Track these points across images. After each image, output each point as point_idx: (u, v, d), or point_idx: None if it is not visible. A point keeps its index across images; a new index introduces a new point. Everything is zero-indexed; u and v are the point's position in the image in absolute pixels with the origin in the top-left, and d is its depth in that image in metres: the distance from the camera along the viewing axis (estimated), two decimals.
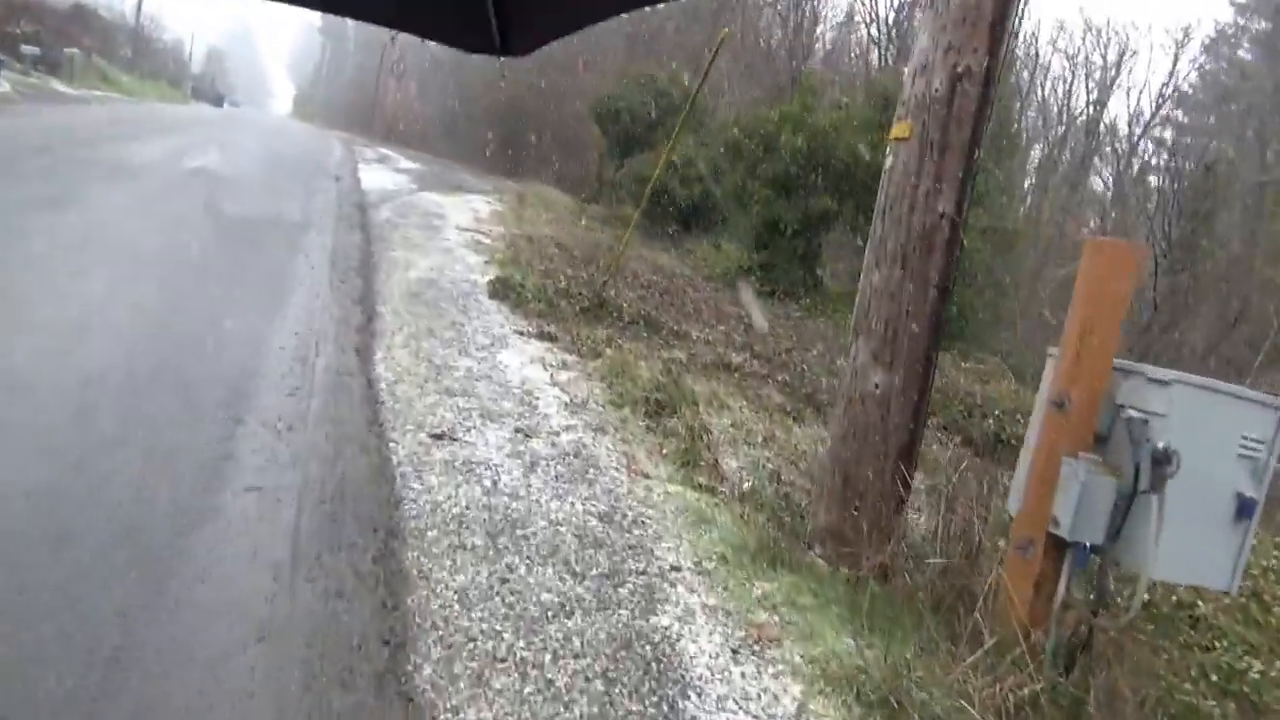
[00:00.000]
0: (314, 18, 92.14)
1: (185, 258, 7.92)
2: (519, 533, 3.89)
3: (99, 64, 38.85)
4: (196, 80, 67.31)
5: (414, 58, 51.78)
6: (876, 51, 33.41)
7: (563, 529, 4.04)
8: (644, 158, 20.12)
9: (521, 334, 7.47)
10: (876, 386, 4.28)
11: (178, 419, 4.37)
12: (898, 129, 4.33)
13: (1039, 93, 30.40)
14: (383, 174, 20.60)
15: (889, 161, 4.37)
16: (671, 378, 6.98)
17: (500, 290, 8.88)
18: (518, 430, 5.18)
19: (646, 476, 4.99)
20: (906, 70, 4.52)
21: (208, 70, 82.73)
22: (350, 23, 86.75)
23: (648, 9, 29.42)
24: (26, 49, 27.45)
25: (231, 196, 11.98)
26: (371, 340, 6.50)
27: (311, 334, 6.34)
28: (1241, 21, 42.70)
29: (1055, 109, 30.76)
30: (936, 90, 4.17)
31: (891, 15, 33.51)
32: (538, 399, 5.85)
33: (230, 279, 7.51)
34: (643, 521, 4.35)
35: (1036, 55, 32.68)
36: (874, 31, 33.12)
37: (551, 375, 6.47)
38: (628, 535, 4.16)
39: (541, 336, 7.49)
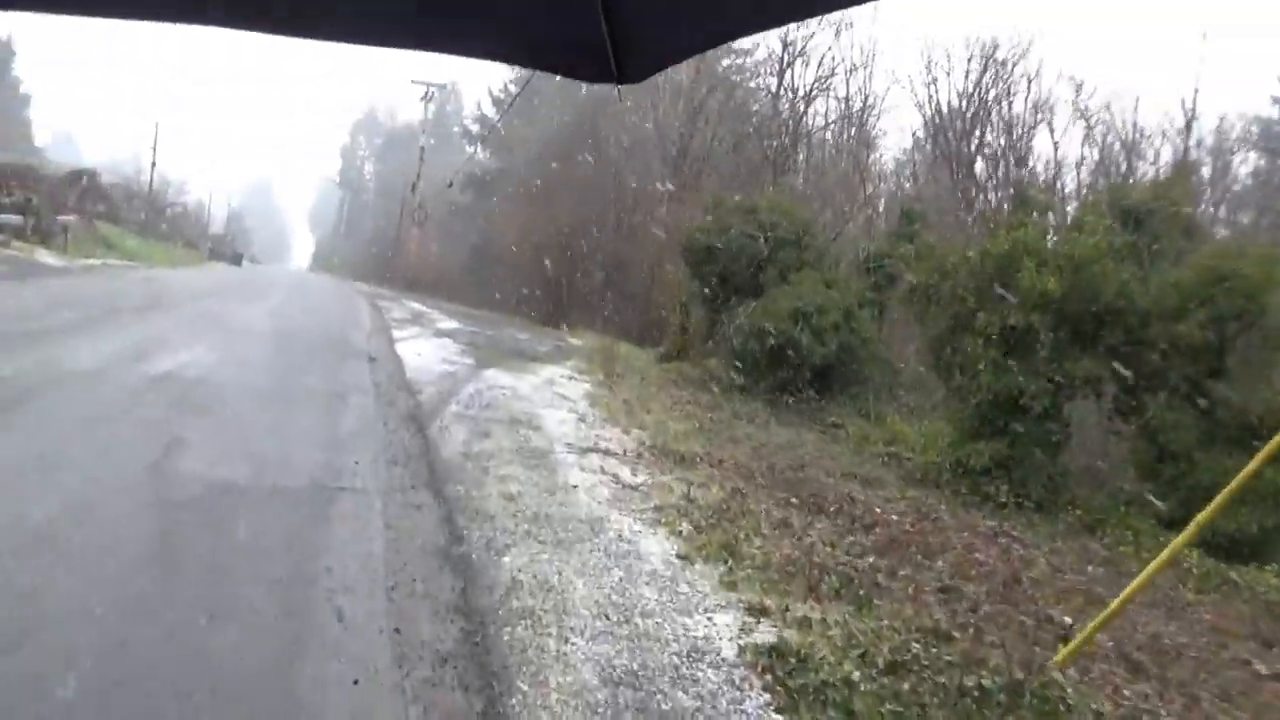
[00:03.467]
0: (331, 171, 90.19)
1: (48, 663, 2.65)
2: None
3: (104, 230, 34.76)
4: (215, 240, 63.81)
5: (435, 203, 48.12)
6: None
7: None
8: (755, 305, 15.11)
9: None
10: None
11: None
12: None
13: None
14: (425, 344, 15.56)
15: None
16: None
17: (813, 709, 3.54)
18: None
19: None
20: None
21: (228, 230, 79.79)
22: (368, 173, 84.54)
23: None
24: (4, 218, 23.00)
25: (204, 433, 6.78)
26: None
27: None
28: None
29: None
30: None
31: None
32: None
33: None
34: None
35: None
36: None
37: None
38: None
39: None
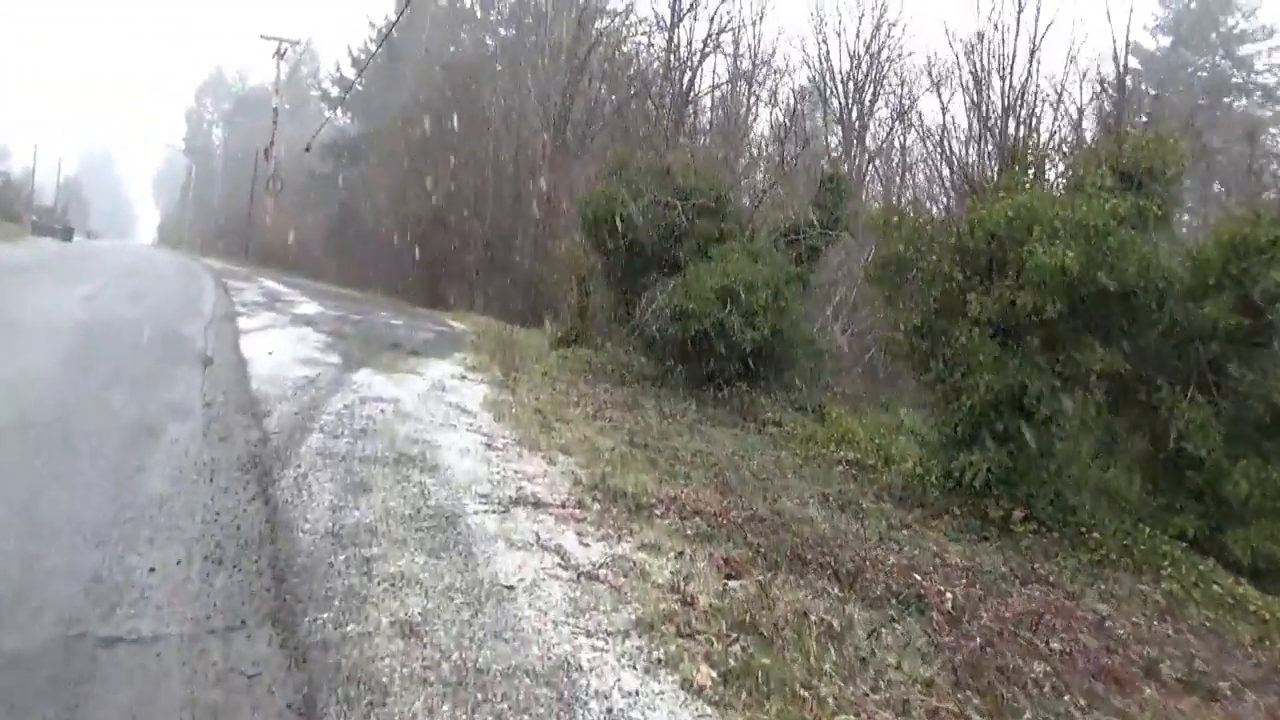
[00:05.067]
0: (176, 138, 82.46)
1: None
2: None
3: None
4: (41, 213, 56.43)
5: (292, 172, 43.56)
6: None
7: None
8: (674, 283, 12.82)
9: None
10: None
11: None
12: None
13: None
14: (280, 336, 12.55)
15: None
16: None
17: None
18: None
19: None
20: None
21: (59, 201, 71.45)
22: (217, 140, 77.28)
23: None
24: None
25: None
26: None
27: None
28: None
29: None
30: None
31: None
32: None
33: None
34: None
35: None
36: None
37: None
38: None
39: None
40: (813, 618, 4.37)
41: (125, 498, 4.96)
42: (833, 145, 28.39)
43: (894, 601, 5.08)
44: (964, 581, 5.83)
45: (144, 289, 18.15)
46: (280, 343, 11.72)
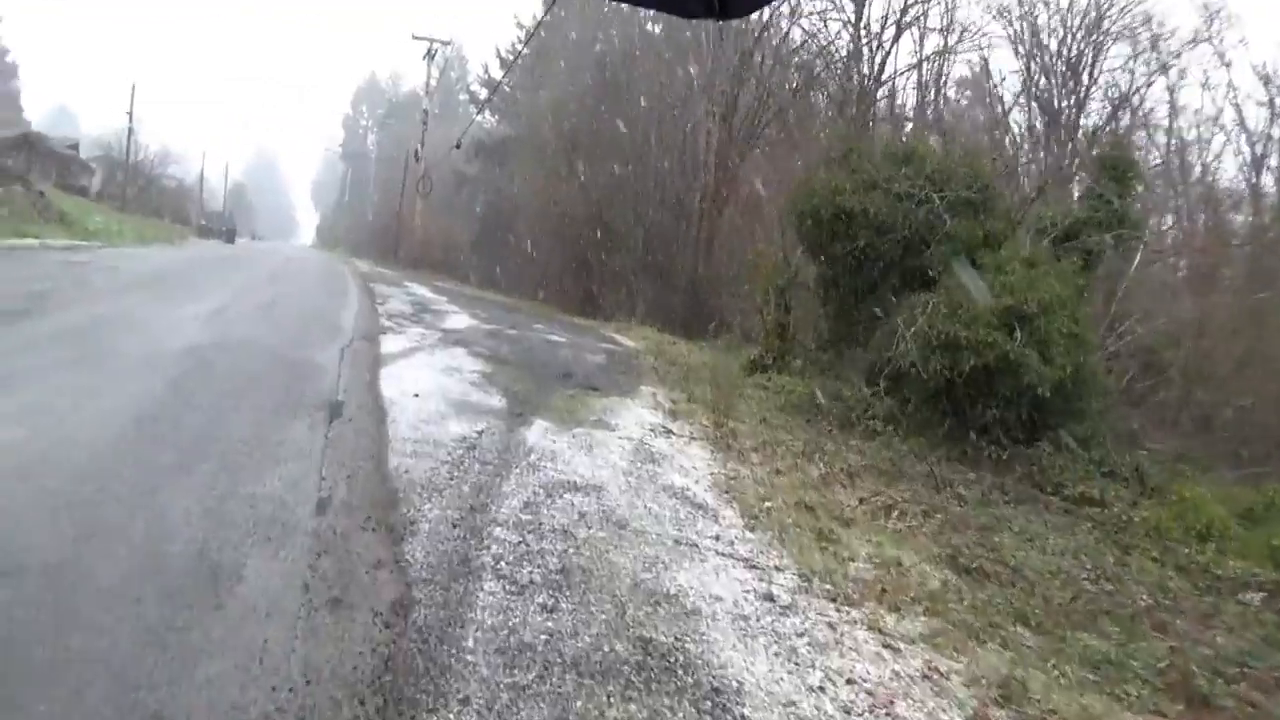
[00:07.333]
0: (334, 142, 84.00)
1: None
2: None
3: (65, 204, 28.93)
4: (209, 217, 57.52)
5: (441, 173, 42.12)
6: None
7: None
8: (933, 300, 9.40)
9: None
10: None
11: None
12: None
13: None
14: (429, 364, 9.85)
15: None
16: None
17: None
18: None
19: None
20: None
21: (227, 205, 73.44)
22: (371, 144, 77.99)
23: None
24: None
25: None
26: None
27: None
28: None
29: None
30: None
31: None
32: None
33: None
34: None
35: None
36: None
37: None
38: None
39: None
40: None
41: None
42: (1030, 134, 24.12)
43: None
44: None
45: (282, 298, 16.00)
46: (429, 376, 8.99)
